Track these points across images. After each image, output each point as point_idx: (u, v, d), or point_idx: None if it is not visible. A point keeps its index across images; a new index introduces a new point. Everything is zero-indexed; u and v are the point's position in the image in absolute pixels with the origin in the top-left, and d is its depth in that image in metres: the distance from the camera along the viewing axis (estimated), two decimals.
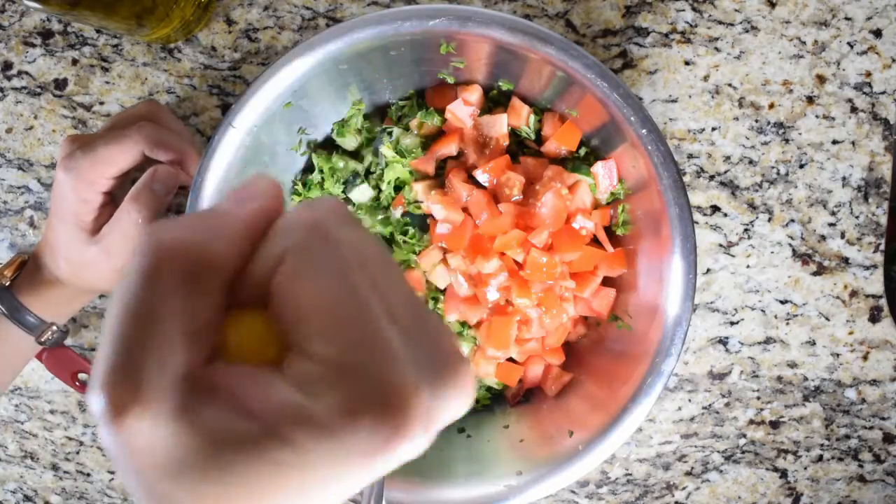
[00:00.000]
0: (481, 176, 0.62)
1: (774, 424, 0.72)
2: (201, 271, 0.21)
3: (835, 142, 0.69)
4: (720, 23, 0.68)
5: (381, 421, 0.20)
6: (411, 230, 0.66)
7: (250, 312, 0.22)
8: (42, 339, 0.65)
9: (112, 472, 0.75)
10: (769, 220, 0.69)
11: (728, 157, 0.69)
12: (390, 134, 0.66)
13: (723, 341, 0.71)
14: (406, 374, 0.21)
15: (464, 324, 0.66)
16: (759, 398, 0.71)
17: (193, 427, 0.19)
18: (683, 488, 0.73)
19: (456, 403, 0.23)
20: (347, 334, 0.21)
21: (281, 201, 0.25)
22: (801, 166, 0.69)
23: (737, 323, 0.70)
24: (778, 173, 0.69)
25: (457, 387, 0.23)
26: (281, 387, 0.20)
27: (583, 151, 0.63)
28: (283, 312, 0.22)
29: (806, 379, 0.71)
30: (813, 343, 0.70)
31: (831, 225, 0.69)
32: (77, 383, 0.73)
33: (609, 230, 0.64)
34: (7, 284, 0.63)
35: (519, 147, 0.66)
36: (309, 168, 0.67)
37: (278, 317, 0.22)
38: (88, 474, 0.76)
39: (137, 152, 0.60)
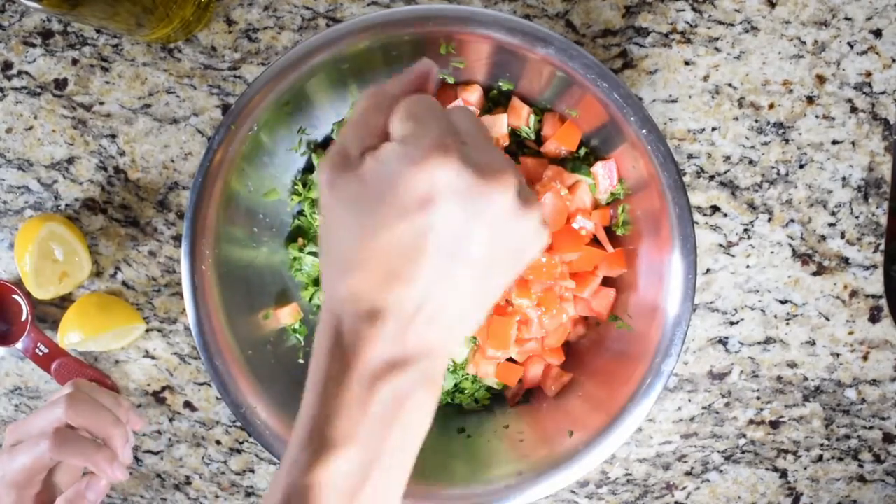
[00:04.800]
0: None
1: (774, 424, 0.72)
2: (385, 104, 0.36)
3: (835, 142, 0.69)
4: (720, 23, 0.68)
5: (460, 155, 0.33)
6: None
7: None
8: None
9: None
10: (769, 220, 0.69)
11: (728, 157, 0.69)
12: None
13: (723, 341, 0.71)
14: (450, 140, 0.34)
15: None
16: (759, 398, 0.71)
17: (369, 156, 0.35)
18: (683, 488, 0.73)
19: (487, 181, 0.34)
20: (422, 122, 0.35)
21: (427, 79, 0.39)
22: (801, 166, 0.69)
23: (737, 323, 0.70)
24: (778, 173, 0.69)
25: (486, 173, 0.34)
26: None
27: (583, 151, 0.63)
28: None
29: (806, 379, 0.71)
30: (813, 343, 0.70)
31: (831, 225, 0.69)
32: None
33: (609, 230, 0.64)
34: None
35: (519, 147, 0.66)
36: (309, 168, 0.67)
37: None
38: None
39: (48, 459, 0.57)
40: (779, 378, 0.71)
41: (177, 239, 0.72)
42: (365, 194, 0.34)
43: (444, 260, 0.33)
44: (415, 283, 0.33)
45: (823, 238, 0.70)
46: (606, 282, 0.64)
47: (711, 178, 0.69)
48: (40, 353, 0.72)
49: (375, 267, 0.33)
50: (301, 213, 0.68)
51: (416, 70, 0.39)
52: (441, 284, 0.34)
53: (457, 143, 0.33)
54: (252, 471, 0.75)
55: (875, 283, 0.70)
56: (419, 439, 0.36)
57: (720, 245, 0.70)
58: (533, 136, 0.64)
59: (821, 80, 0.68)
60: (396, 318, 0.33)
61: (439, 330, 0.35)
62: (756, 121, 0.69)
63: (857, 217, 0.69)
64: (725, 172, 0.69)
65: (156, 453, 0.75)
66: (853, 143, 0.69)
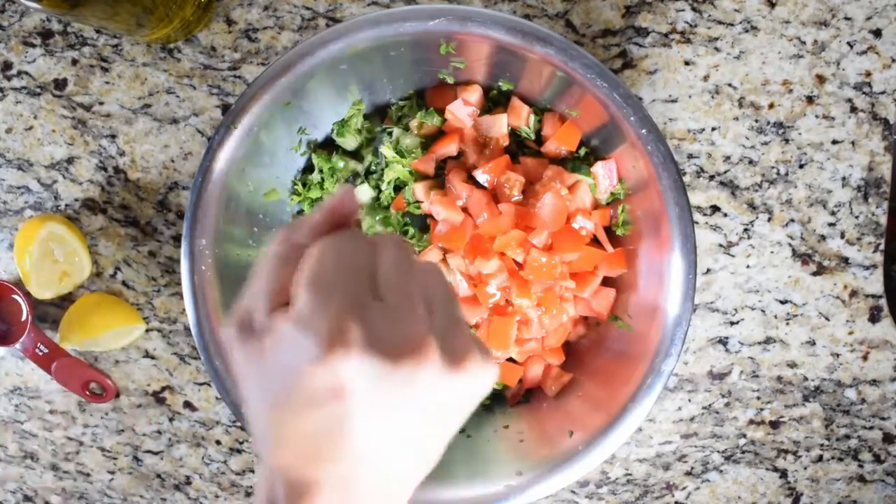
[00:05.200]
0: (481, 176, 0.62)
1: (774, 424, 0.72)
2: (293, 255, 0.33)
3: (835, 142, 0.69)
4: (720, 23, 0.68)
5: (325, 333, 0.30)
6: (411, 230, 0.66)
7: None
8: None
9: (112, 473, 0.76)
10: (769, 220, 0.69)
11: (728, 157, 0.69)
12: (390, 134, 0.66)
13: (723, 341, 0.71)
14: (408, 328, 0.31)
15: None
16: (759, 398, 0.71)
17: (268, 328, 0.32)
18: (683, 488, 0.73)
19: (460, 377, 0.31)
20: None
21: (346, 212, 0.36)
22: (801, 166, 0.69)
23: (737, 323, 0.70)
24: (778, 173, 0.69)
25: (397, 354, 0.30)
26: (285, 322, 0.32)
27: (583, 151, 0.63)
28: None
29: (806, 379, 0.71)
30: (813, 343, 0.70)
31: (831, 225, 0.69)
32: (87, 393, 0.73)
33: (609, 230, 0.64)
34: None
35: (519, 147, 0.66)
36: (309, 168, 0.67)
37: None
38: (88, 474, 0.76)
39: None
40: (779, 378, 0.71)
41: (177, 239, 0.72)
42: (270, 375, 0.31)
43: (372, 435, 0.31)
44: (342, 460, 0.31)
45: (823, 238, 0.70)
46: (606, 282, 0.64)
47: (711, 178, 0.69)
48: (40, 353, 0.72)
49: (297, 447, 0.31)
50: (301, 213, 0.68)
51: (331, 204, 0.35)
52: (373, 455, 0.32)
53: (358, 323, 0.30)
54: (252, 471, 0.75)
55: (875, 283, 0.70)
56: None
57: (720, 245, 0.70)
58: (533, 136, 0.64)
59: (821, 79, 0.68)
60: (330, 489, 0.31)
61: (379, 491, 0.33)
62: (756, 121, 0.69)
63: (856, 217, 0.69)
64: (725, 172, 0.69)
65: (156, 453, 0.75)
66: (853, 143, 0.69)
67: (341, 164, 0.66)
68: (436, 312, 0.33)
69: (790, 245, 0.70)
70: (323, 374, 0.30)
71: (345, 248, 0.33)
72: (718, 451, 0.72)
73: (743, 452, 0.72)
